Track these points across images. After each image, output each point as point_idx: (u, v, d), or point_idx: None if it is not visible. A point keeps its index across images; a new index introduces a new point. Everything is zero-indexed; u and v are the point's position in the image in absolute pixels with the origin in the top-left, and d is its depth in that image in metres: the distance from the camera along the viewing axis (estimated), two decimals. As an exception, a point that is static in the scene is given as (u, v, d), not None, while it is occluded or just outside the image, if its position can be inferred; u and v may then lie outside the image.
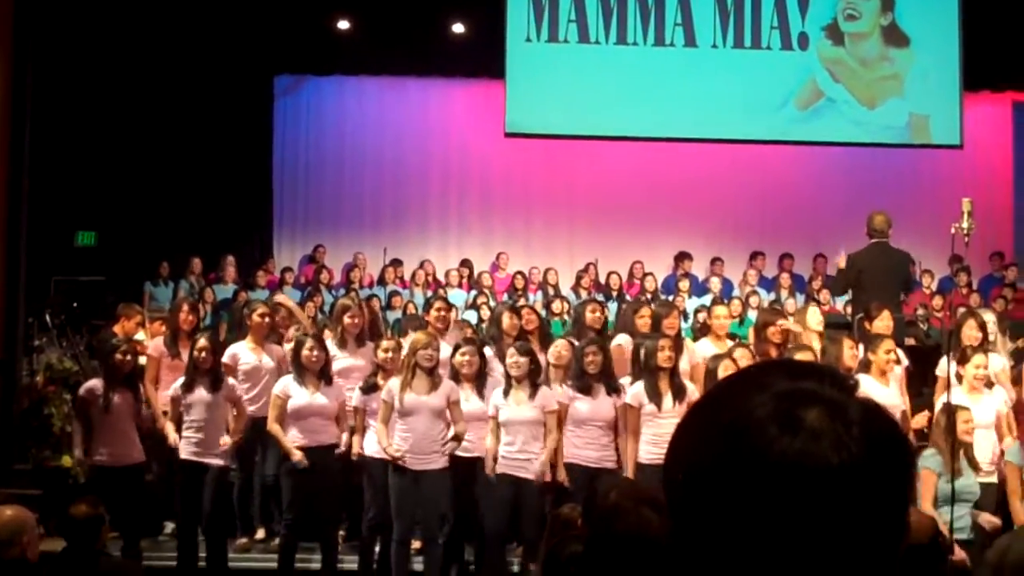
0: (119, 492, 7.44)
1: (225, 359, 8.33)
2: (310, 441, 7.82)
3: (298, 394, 7.86)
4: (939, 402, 7.79)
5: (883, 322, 8.62)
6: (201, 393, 7.86)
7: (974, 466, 7.07)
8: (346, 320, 8.60)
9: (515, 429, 7.64)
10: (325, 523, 7.97)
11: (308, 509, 7.92)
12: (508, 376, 7.76)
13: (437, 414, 7.64)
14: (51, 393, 9.66)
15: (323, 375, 7.93)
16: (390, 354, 7.99)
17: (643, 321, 8.72)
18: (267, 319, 8.82)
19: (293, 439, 7.82)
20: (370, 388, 7.92)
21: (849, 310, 11.15)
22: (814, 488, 1.05)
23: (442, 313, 8.91)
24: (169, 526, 8.90)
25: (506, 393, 7.72)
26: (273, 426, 7.89)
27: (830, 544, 1.06)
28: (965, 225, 7.75)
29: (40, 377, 9.96)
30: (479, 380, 7.90)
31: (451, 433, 7.67)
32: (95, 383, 8.08)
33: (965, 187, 12.40)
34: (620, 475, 7.40)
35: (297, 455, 7.75)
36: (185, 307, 9.10)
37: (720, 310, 9.33)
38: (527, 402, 7.66)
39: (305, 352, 7.89)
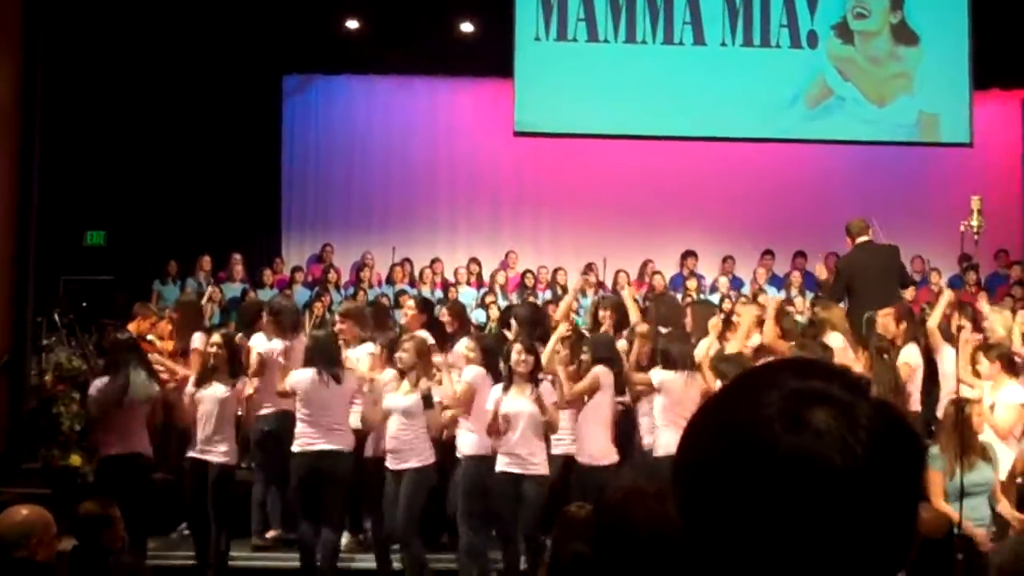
0: (125, 485, 7.28)
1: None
2: (320, 443, 7.73)
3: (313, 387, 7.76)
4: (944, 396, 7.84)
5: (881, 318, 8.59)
6: (212, 390, 7.83)
7: (987, 458, 7.01)
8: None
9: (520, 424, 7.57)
10: (329, 526, 7.91)
11: (311, 509, 7.90)
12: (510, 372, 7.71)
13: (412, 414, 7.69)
14: (60, 392, 9.66)
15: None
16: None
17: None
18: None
19: (301, 436, 7.76)
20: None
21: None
22: (818, 488, 1.05)
23: (413, 311, 8.89)
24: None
25: (505, 388, 7.63)
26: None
27: (834, 543, 1.06)
28: (975, 223, 7.70)
29: (49, 376, 9.97)
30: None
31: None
32: (103, 380, 8.03)
33: (974, 185, 12.33)
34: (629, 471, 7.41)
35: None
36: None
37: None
38: (530, 397, 7.61)
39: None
